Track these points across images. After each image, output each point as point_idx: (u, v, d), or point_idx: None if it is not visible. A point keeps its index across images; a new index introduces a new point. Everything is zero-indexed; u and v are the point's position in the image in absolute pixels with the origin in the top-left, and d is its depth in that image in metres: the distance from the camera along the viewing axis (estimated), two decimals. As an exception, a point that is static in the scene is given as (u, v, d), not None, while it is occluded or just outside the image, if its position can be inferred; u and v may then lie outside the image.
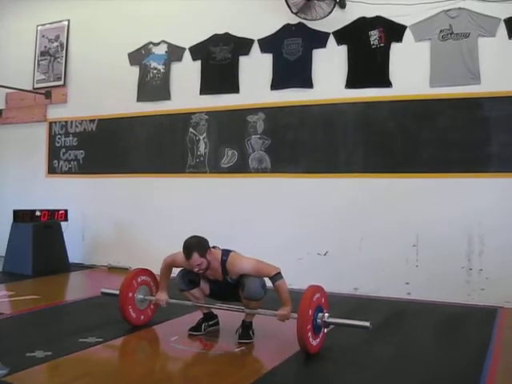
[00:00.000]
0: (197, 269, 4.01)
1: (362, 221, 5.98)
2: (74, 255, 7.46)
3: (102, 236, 7.63)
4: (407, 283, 5.75)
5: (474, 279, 5.52)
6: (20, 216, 7.10)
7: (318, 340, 3.89)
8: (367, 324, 3.83)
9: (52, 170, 8.13)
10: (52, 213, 7.29)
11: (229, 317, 4.29)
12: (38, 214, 7.16)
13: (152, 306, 4.63)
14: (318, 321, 3.86)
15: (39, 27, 8.25)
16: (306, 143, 6.29)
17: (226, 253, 4.11)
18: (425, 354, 3.91)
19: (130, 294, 4.44)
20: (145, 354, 3.88)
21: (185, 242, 4.03)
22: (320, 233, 6.18)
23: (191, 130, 6.98)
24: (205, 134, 6.90)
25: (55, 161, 8.10)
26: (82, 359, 3.70)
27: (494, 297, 5.36)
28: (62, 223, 7.35)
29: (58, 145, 8.08)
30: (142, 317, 4.54)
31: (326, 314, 3.92)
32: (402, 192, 5.82)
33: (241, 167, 6.61)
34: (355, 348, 4.04)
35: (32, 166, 8.26)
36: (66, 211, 7.38)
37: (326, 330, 3.98)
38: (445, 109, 5.69)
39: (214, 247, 4.14)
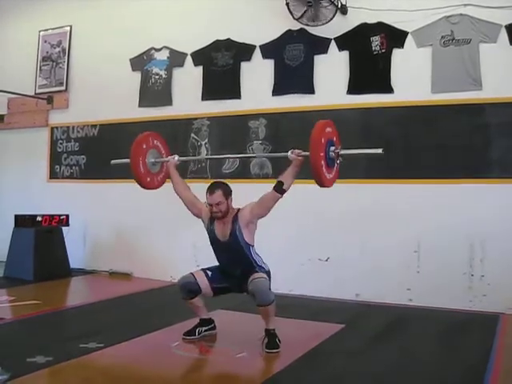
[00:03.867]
0: (215, 209, 4.12)
1: (363, 227, 5.97)
2: (75, 260, 7.45)
3: (104, 241, 7.62)
4: (408, 289, 5.73)
5: (475, 285, 5.51)
6: (21, 221, 7.10)
7: (332, 174, 4.00)
8: (379, 150, 3.97)
9: (54, 175, 8.13)
10: (53, 218, 7.28)
11: (228, 323, 4.27)
12: (39, 219, 7.15)
13: (164, 169, 4.74)
14: (331, 153, 3.94)
15: (41, 33, 8.26)
16: (307, 149, 6.27)
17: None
18: (426, 361, 3.90)
19: (141, 158, 4.55)
20: (145, 360, 3.86)
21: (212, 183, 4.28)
22: (321, 239, 6.17)
23: (193, 135, 6.98)
24: (206, 140, 6.90)
25: (57, 166, 8.11)
26: (82, 365, 3.70)
27: (496, 303, 5.34)
28: (63, 228, 7.34)
29: (59, 150, 8.09)
30: (157, 179, 4.73)
31: (338, 148, 4.01)
32: (403, 198, 5.82)
33: (242, 173, 6.61)
34: (357, 353, 4.03)
35: (34, 171, 8.26)
36: (67, 216, 7.37)
37: (338, 161, 4.05)
38: (446, 115, 5.69)
39: None
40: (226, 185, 4.29)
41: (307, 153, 3.92)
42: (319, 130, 3.91)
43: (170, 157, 4.70)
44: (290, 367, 3.71)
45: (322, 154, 3.83)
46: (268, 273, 4.23)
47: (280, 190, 4.08)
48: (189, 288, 4.22)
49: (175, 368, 3.81)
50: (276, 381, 3.51)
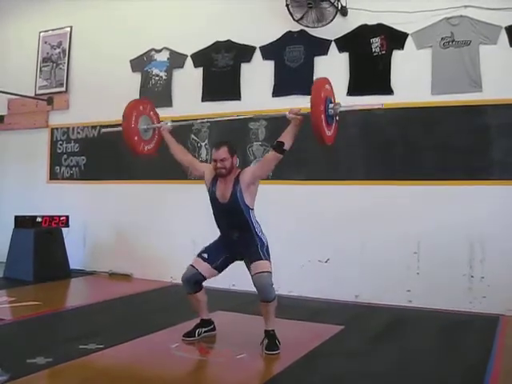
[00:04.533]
0: (220, 165, 4.14)
1: (363, 228, 5.98)
2: (74, 261, 7.44)
3: (103, 242, 7.63)
4: (408, 291, 5.73)
5: (475, 287, 5.51)
6: (21, 222, 7.10)
7: (332, 130, 4.04)
8: (381, 105, 4.01)
9: (53, 176, 8.14)
10: (53, 219, 7.28)
11: (228, 324, 4.27)
12: (39, 219, 7.15)
13: (157, 136, 4.75)
14: (330, 111, 3.96)
15: (42, 34, 8.26)
16: (308, 150, 6.27)
17: None
18: (426, 362, 3.91)
19: (133, 125, 4.55)
20: (145, 361, 3.87)
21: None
22: (321, 240, 6.17)
23: (193, 136, 6.98)
24: (206, 141, 6.91)
25: (57, 167, 8.11)
26: (82, 366, 3.70)
27: (496, 304, 5.34)
28: (63, 229, 7.33)
29: (59, 151, 8.09)
30: (150, 146, 4.72)
31: (338, 104, 4.03)
32: (403, 199, 5.82)
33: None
34: (357, 354, 4.04)
35: (33, 172, 8.27)
36: (67, 217, 7.37)
37: (337, 118, 4.09)
38: (446, 116, 5.69)
39: None
40: (232, 143, 4.34)
41: (307, 111, 3.93)
42: (319, 86, 3.95)
43: (162, 122, 4.73)
44: (290, 368, 3.71)
45: (322, 109, 3.86)
46: (267, 248, 4.21)
47: (280, 150, 4.08)
48: (194, 280, 4.22)
49: (175, 369, 3.82)
50: (276, 382, 3.52)
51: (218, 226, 4.34)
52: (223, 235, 4.32)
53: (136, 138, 4.57)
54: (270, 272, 4.09)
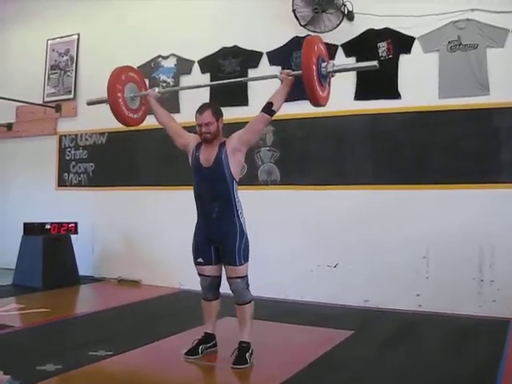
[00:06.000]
0: (204, 129, 3.97)
1: (371, 232, 5.96)
2: (83, 268, 7.47)
3: (112, 249, 7.64)
4: (418, 295, 5.71)
5: (485, 291, 5.48)
6: (30, 229, 7.13)
7: (326, 91, 3.94)
8: (374, 63, 3.85)
9: (62, 183, 8.17)
10: (62, 226, 7.30)
11: (236, 330, 4.23)
12: (48, 226, 7.18)
13: (144, 104, 4.61)
14: (323, 70, 3.83)
15: (49, 41, 8.32)
16: (316, 155, 6.29)
17: None
18: (436, 367, 3.89)
19: (119, 94, 4.38)
20: (154, 368, 3.87)
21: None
22: (330, 245, 6.16)
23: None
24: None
25: (65, 174, 8.14)
26: (92, 372, 3.71)
27: (506, 308, 5.31)
28: (71, 236, 7.36)
29: (68, 158, 8.13)
30: (137, 115, 4.59)
31: (330, 63, 3.89)
32: (411, 203, 5.81)
33: (250, 179, 6.58)
34: (367, 359, 4.03)
35: (42, 178, 8.30)
36: (75, 224, 7.39)
37: (331, 76, 3.98)
38: (454, 120, 5.67)
39: None
40: (216, 105, 4.20)
41: (299, 71, 3.85)
42: (310, 45, 3.81)
43: (149, 90, 4.61)
44: (300, 374, 3.70)
45: (314, 69, 3.73)
46: (246, 241, 4.02)
47: (269, 110, 3.95)
48: (215, 286, 4.14)
49: (184, 376, 3.82)
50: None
51: (198, 201, 4.08)
52: (202, 215, 4.08)
53: (123, 107, 4.40)
54: (245, 276, 4.00)
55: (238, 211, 4.01)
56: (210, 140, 4.01)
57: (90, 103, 4.80)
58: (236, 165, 4.02)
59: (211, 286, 4.14)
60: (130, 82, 4.52)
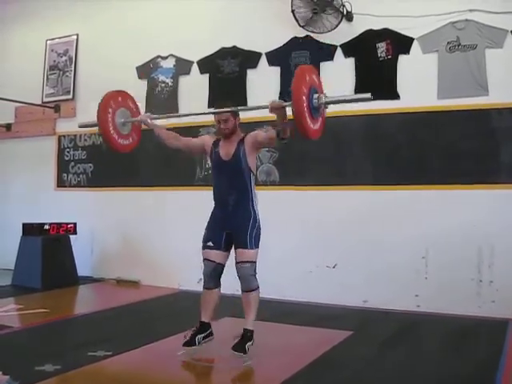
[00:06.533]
0: (223, 126, 4.19)
1: (370, 233, 5.96)
2: (82, 268, 7.46)
3: (111, 249, 7.64)
4: (417, 295, 5.71)
5: (484, 291, 5.48)
6: (29, 229, 7.12)
7: (319, 124, 3.78)
8: (368, 95, 3.68)
9: (61, 184, 8.17)
10: (61, 226, 7.30)
11: (235, 330, 4.23)
12: (46, 227, 7.18)
13: (135, 130, 4.63)
14: (315, 101, 3.66)
15: (48, 42, 8.31)
16: (315, 155, 6.28)
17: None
18: (436, 367, 3.89)
19: (110, 119, 4.35)
20: (153, 368, 3.86)
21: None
22: (329, 245, 6.16)
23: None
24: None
25: (64, 174, 8.14)
26: (90, 373, 3.71)
27: (505, 309, 5.31)
28: (70, 236, 7.36)
29: (66, 158, 8.13)
30: (128, 141, 4.57)
31: (323, 94, 3.73)
32: (410, 204, 5.81)
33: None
34: (367, 360, 4.03)
35: (41, 179, 8.29)
36: (74, 224, 7.39)
37: (325, 110, 3.87)
38: (453, 120, 5.68)
39: None
40: (233, 103, 4.38)
41: (289, 103, 3.68)
42: (300, 75, 3.69)
43: (140, 115, 4.63)
44: (299, 374, 3.70)
45: (304, 100, 3.57)
46: (258, 228, 4.19)
47: (281, 139, 3.92)
48: (217, 272, 4.20)
49: (182, 376, 3.83)
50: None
51: (216, 191, 4.30)
52: (219, 203, 4.29)
53: (113, 132, 4.37)
54: (254, 262, 4.11)
55: (253, 201, 4.23)
56: (229, 135, 4.23)
57: (81, 126, 4.81)
58: (252, 161, 4.25)
59: (214, 272, 4.19)
60: (122, 107, 4.53)
